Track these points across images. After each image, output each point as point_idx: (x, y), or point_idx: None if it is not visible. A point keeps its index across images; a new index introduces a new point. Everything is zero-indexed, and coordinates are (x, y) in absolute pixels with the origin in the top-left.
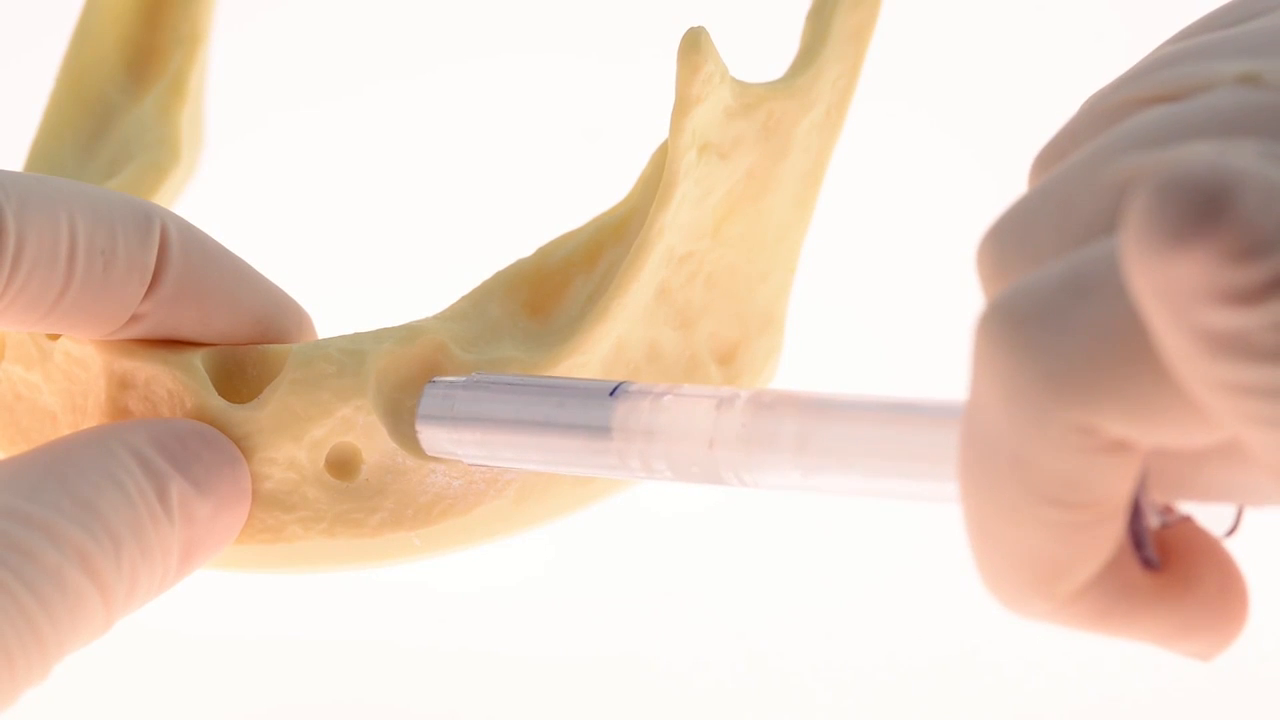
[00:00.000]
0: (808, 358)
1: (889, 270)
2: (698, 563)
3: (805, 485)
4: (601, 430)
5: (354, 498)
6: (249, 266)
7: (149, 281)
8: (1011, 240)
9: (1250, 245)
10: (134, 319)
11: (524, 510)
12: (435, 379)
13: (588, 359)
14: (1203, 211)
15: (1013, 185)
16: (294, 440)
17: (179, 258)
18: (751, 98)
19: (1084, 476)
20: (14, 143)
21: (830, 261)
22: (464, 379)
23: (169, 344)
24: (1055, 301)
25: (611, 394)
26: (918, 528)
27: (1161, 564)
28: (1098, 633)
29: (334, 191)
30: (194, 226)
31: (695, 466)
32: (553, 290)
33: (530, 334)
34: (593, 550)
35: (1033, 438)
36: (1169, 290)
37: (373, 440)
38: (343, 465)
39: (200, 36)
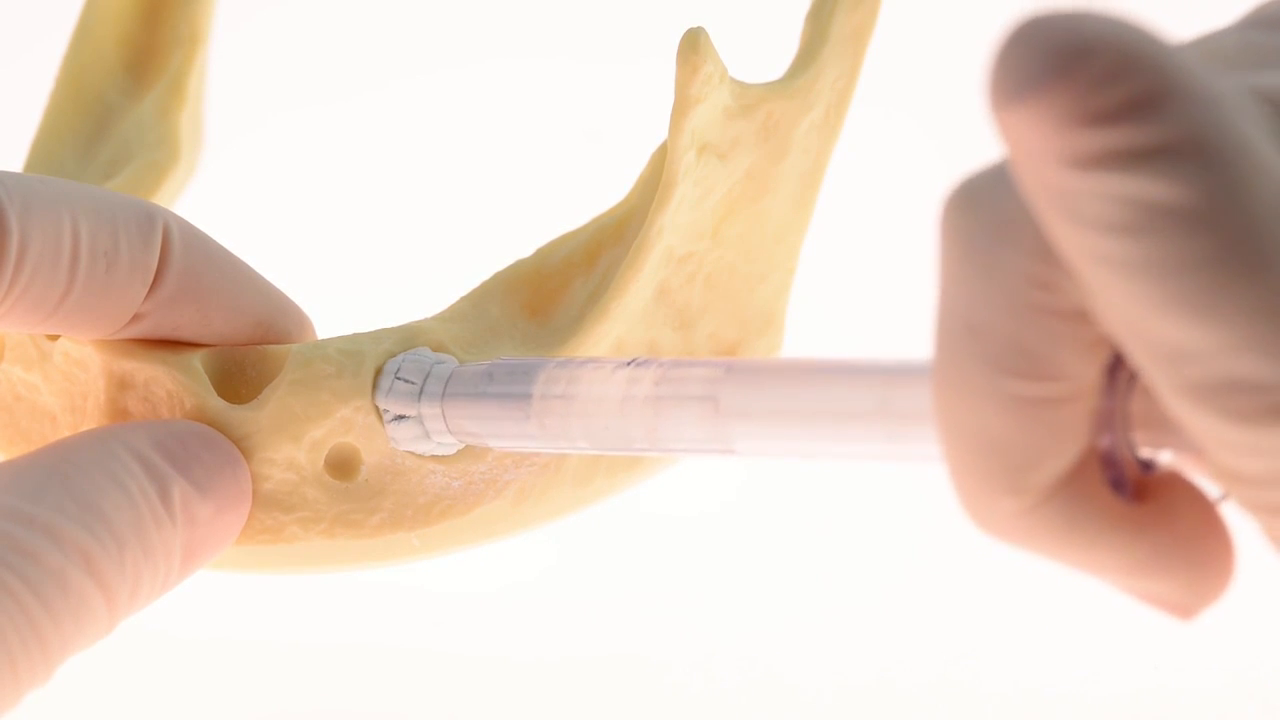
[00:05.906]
0: None
1: (889, 270)
2: (696, 564)
3: (711, 448)
4: (522, 398)
5: (353, 498)
6: (249, 268)
7: (150, 282)
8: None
9: (1085, 114)
10: (134, 319)
11: (523, 511)
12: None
13: None
14: (1048, 67)
15: None
16: (293, 441)
17: (180, 258)
18: (751, 98)
19: (1039, 342)
20: (14, 143)
21: (830, 261)
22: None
23: (168, 345)
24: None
25: (534, 367)
26: (920, 529)
27: (1139, 500)
28: (1063, 557)
29: (334, 192)
30: (195, 227)
31: (608, 431)
32: (552, 291)
33: (529, 335)
34: (592, 551)
35: (984, 293)
36: (1017, 136)
37: (372, 441)
38: (342, 466)
39: (200, 37)
